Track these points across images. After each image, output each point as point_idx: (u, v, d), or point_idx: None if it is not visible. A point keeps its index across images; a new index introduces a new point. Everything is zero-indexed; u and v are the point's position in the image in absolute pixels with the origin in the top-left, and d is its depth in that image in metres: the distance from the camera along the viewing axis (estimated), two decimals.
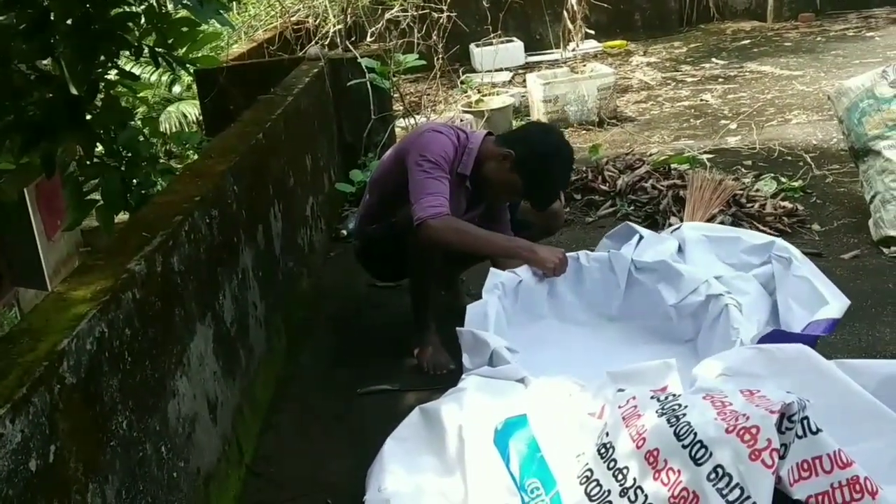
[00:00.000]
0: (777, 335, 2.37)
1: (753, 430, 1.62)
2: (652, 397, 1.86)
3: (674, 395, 1.85)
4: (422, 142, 2.83)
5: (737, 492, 1.58)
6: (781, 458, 1.61)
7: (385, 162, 3.09)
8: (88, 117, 2.91)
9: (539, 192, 2.87)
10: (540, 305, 2.81)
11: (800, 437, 1.64)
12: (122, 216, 3.06)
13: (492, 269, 2.76)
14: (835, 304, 2.47)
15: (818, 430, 1.65)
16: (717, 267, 2.80)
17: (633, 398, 1.89)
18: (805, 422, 1.65)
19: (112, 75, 3.12)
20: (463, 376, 2.33)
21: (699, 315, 2.62)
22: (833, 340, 2.86)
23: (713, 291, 2.59)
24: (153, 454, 1.83)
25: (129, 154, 3.08)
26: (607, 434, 1.86)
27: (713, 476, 1.62)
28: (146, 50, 2.98)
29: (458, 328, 2.50)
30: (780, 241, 2.83)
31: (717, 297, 2.56)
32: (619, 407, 1.88)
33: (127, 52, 3.02)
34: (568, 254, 2.85)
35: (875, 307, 3.09)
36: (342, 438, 2.62)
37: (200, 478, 2.11)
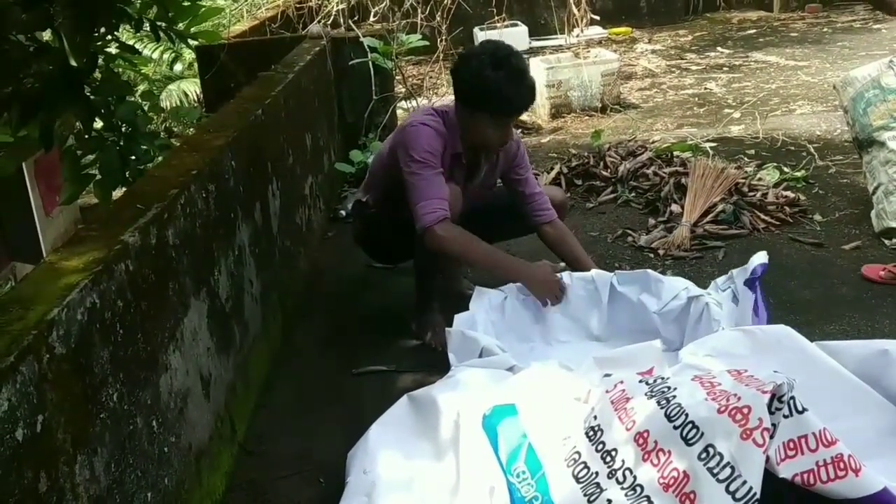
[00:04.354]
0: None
1: (745, 410, 1.62)
2: (640, 381, 1.86)
3: (662, 378, 1.85)
4: (408, 138, 2.78)
5: (728, 470, 1.59)
6: (770, 437, 1.61)
7: (382, 153, 3.06)
8: (87, 90, 2.88)
9: (496, 99, 2.71)
10: (527, 328, 2.83)
11: (787, 417, 1.66)
12: (121, 191, 3.04)
13: (477, 288, 2.80)
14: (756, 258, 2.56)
15: (804, 410, 1.66)
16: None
17: (621, 382, 1.89)
18: (792, 401, 1.66)
19: (112, 48, 3.09)
20: (452, 370, 2.34)
21: (682, 319, 2.66)
22: (832, 331, 2.85)
23: (693, 293, 2.65)
24: (144, 428, 1.81)
25: (128, 129, 3.06)
26: (595, 418, 1.86)
27: (704, 455, 1.62)
28: (147, 23, 2.95)
29: (447, 328, 2.51)
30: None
31: (698, 299, 2.62)
32: (608, 391, 1.89)
33: (127, 26, 2.99)
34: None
35: (875, 298, 3.08)
36: (336, 418, 2.61)
37: (192, 454, 2.09)
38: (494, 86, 2.68)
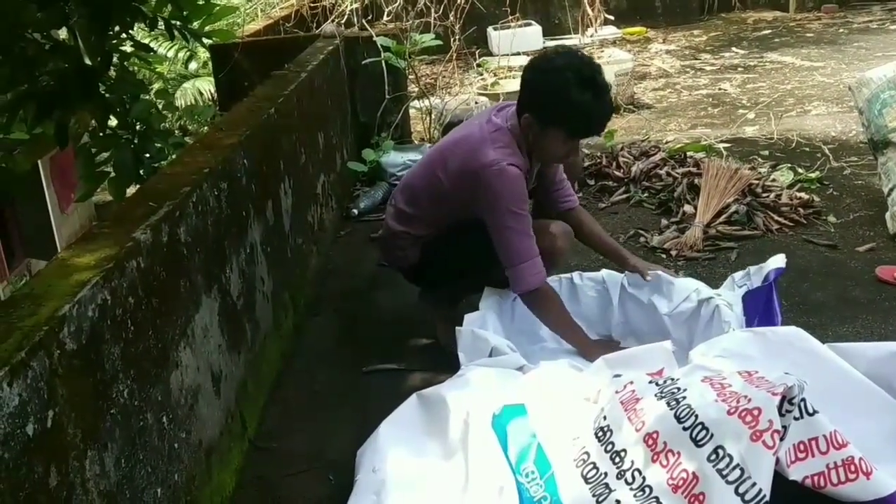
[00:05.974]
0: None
1: (755, 412, 1.61)
2: (650, 382, 1.86)
3: (672, 379, 1.84)
4: (496, 184, 2.54)
5: (737, 472, 1.58)
6: (781, 439, 1.60)
7: (434, 178, 2.74)
8: (102, 89, 2.90)
9: (581, 121, 2.53)
10: (537, 328, 2.80)
11: (797, 419, 1.65)
12: (134, 188, 3.06)
13: (487, 287, 2.77)
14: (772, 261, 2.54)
15: (815, 412, 1.66)
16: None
17: (631, 383, 1.88)
18: (802, 403, 1.65)
19: (127, 47, 3.11)
20: (461, 370, 2.34)
21: (692, 322, 2.65)
22: (845, 333, 2.83)
23: (703, 296, 2.63)
24: (154, 424, 1.82)
25: (143, 127, 3.07)
26: (605, 418, 1.86)
27: (713, 457, 1.62)
28: (161, 22, 2.96)
29: (457, 328, 2.50)
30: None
31: (708, 301, 2.60)
32: (617, 392, 1.88)
33: (142, 25, 3.01)
34: (562, 275, 2.86)
35: (888, 300, 3.05)
36: (346, 416, 2.62)
37: (202, 450, 2.10)
38: (581, 108, 2.48)
